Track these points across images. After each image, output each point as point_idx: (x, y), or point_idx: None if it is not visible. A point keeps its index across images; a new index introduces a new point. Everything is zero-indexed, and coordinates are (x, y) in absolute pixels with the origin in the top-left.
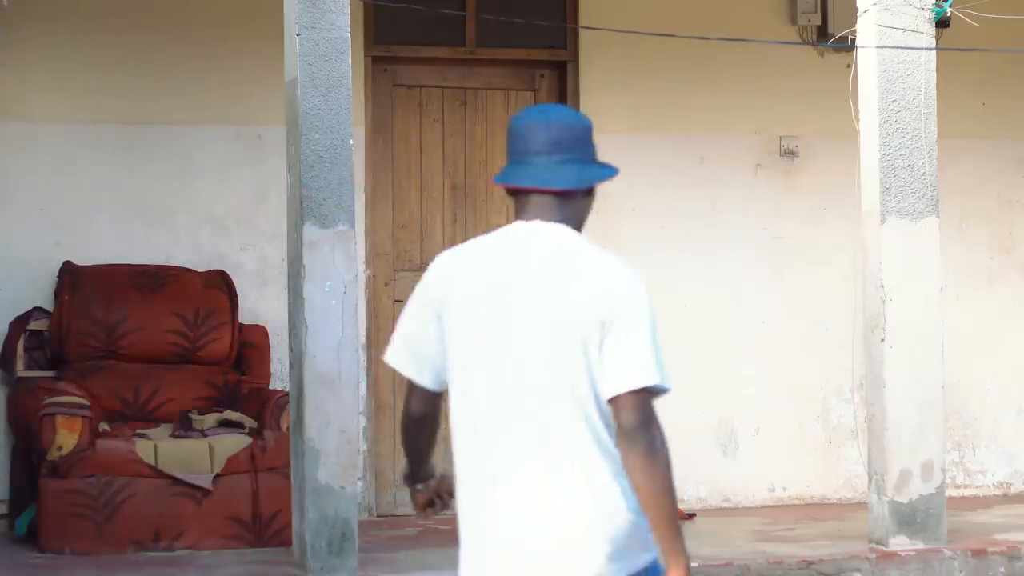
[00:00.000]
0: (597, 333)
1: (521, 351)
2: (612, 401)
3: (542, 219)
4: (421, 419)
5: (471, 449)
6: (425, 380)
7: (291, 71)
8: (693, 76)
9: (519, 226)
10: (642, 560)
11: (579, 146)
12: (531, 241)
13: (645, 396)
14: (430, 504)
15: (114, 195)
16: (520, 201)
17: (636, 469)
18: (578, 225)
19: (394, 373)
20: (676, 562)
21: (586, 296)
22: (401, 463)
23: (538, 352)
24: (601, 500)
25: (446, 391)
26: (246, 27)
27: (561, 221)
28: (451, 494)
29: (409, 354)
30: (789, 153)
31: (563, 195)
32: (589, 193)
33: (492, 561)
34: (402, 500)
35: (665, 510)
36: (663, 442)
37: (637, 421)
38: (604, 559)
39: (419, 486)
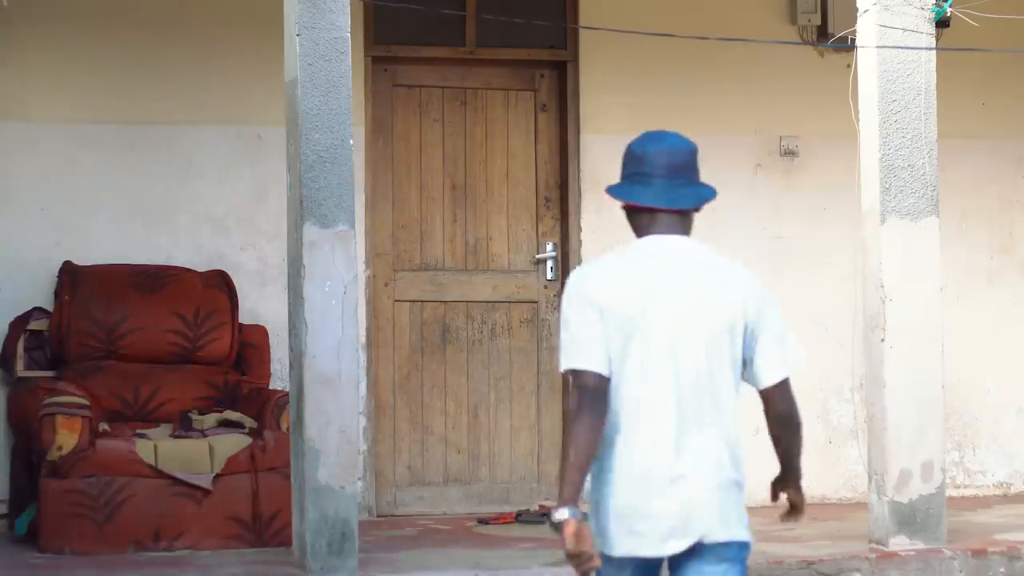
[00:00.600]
0: (743, 330)
1: (683, 342)
2: (766, 388)
3: (672, 233)
4: (601, 396)
5: (642, 420)
6: (602, 368)
7: (291, 71)
8: (693, 76)
9: (658, 239)
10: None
11: (692, 170)
12: (677, 251)
13: (788, 382)
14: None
15: (114, 195)
16: (646, 217)
17: (789, 435)
18: (689, 235)
19: (394, 373)
20: (798, 486)
21: (735, 300)
22: (402, 462)
23: (698, 342)
24: (737, 465)
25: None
26: (246, 27)
27: (684, 234)
28: (590, 543)
29: (588, 352)
30: (789, 153)
31: (683, 213)
32: (698, 209)
33: (663, 509)
34: (402, 500)
35: (801, 458)
36: (799, 411)
37: (788, 401)
38: (738, 515)
39: (578, 513)
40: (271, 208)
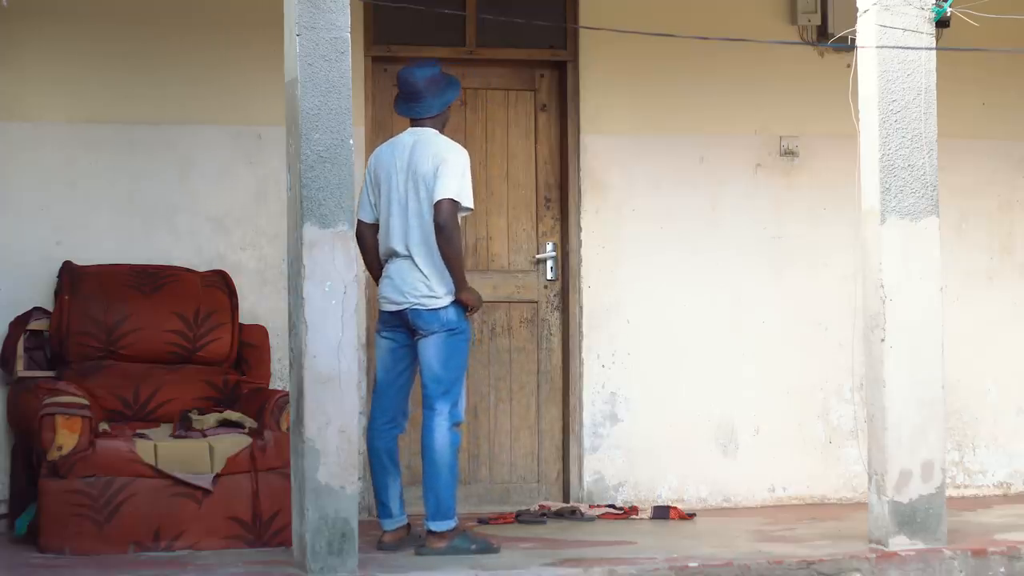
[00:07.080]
0: (433, 174)
1: (404, 190)
2: (435, 205)
3: (422, 126)
4: (371, 236)
5: (384, 242)
6: (365, 216)
7: (291, 71)
8: (693, 76)
9: (413, 129)
10: (447, 300)
11: (435, 87)
12: (414, 137)
13: (450, 203)
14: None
15: (114, 195)
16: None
17: (441, 241)
18: (442, 128)
19: None
20: (464, 290)
21: (431, 159)
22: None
23: (411, 189)
24: (434, 257)
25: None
26: (246, 27)
27: (431, 127)
28: None
29: (360, 206)
30: (789, 153)
31: (431, 118)
32: (445, 111)
33: (388, 287)
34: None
35: (455, 264)
36: (455, 228)
37: (445, 217)
38: (439, 290)
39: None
40: (271, 208)
